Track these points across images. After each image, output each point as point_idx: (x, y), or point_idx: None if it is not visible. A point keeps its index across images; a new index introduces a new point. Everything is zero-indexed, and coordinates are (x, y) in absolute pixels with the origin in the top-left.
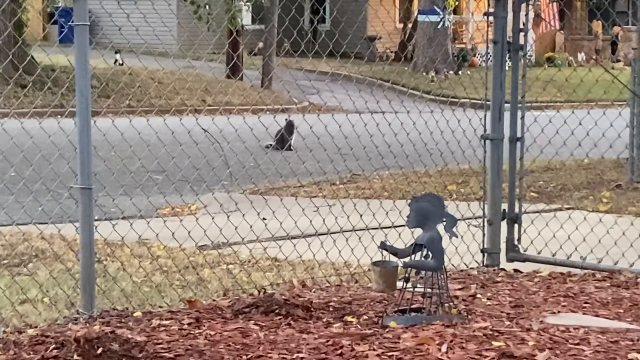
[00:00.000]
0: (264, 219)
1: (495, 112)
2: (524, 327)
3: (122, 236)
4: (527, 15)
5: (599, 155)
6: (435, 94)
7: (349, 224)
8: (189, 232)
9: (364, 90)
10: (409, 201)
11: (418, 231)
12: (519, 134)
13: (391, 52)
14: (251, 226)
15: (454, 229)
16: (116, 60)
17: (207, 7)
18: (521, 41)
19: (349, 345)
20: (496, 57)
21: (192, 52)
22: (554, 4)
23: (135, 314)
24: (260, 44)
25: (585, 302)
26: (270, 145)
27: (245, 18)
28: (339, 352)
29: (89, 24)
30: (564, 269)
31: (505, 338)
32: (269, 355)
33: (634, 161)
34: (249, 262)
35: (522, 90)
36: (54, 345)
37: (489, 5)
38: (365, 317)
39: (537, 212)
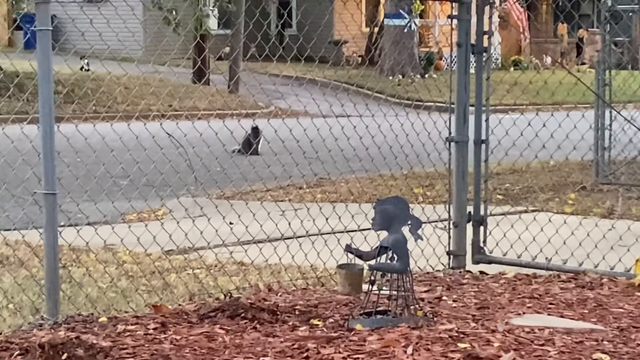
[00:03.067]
0: (230, 223)
1: (460, 115)
2: (490, 329)
3: (87, 242)
4: (490, 18)
5: (563, 157)
6: (401, 98)
7: (315, 228)
8: (154, 237)
9: (330, 94)
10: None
11: (384, 234)
12: (483, 137)
13: (358, 56)
14: (217, 231)
15: (419, 231)
16: (82, 67)
17: (174, 12)
18: (485, 44)
19: (315, 348)
20: (460, 59)
21: (156, 56)
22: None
23: (100, 320)
24: (226, 49)
25: (550, 303)
26: (237, 150)
27: (211, 23)
28: (304, 355)
29: (51, 28)
30: (530, 271)
31: (470, 340)
32: (235, 359)
33: (599, 163)
34: (215, 266)
35: (486, 92)
36: (18, 352)
37: (452, 8)
38: (331, 320)
39: (503, 214)
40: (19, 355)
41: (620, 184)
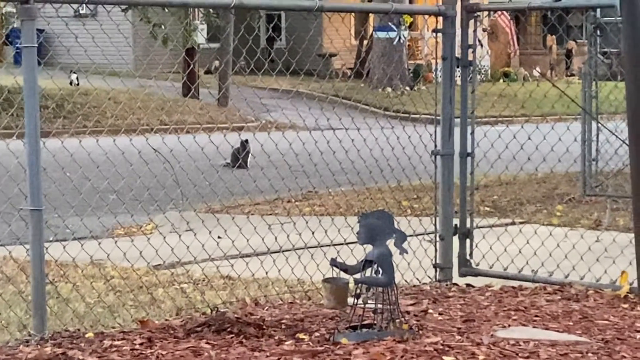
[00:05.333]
0: (219, 237)
1: (446, 128)
2: (475, 342)
3: (74, 257)
4: (475, 31)
5: (548, 169)
6: (389, 110)
7: (301, 242)
8: (141, 252)
9: (320, 107)
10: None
11: (369, 247)
12: (469, 149)
13: (347, 68)
14: (203, 245)
15: (404, 245)
16: (72, 81)
17: (162, 26)
18: (470, 57)
19: None
20: (445, 72)
21: (145, 70)
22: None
23: (87, 335)
24: (216, 62)
25: (536, 316)
26: (227, 163)
27: (200, 37)
28: None
29: (36, 45)
30: (516, 283)
31: (455, 352)
32: None
33: (586, 175)
34: (202, 281)
35: (472, 105)
36: None
37: (437, 22)
38: (317, 334)
39: (489, 226)
40: None
41: (607, 195)
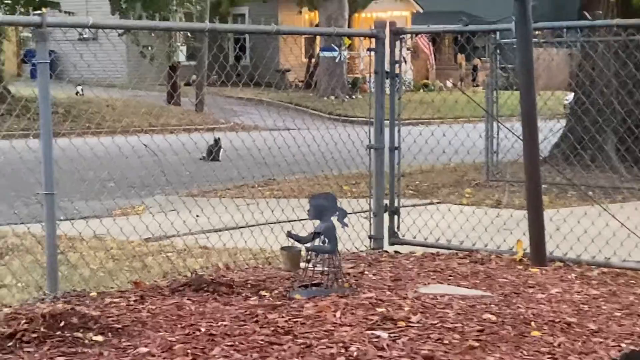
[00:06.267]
0: (197, 215)
1: (378, 127)
2: (402, 296)
3: (80, 232)
4: (400, 50)
5: (459, 160)
6: (334, 114)
7: (263, 218)
8: (135, 228)
9: (277, 112)
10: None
11: (317, 222)
12: (396, 144)
13: (299, 81)
14: (185, 222)
15: (345, 220)
16: (77, 92)
17: (149, 47)
18: (397, 71)
19: (263, 314)
20: (377, 83)
21: (135, 83)
22: (430, 43)
23: (91, 294)
24: (194, 76)
25: (450, 276)
26: (203, 157)
27: (181, 55)
28: (254, 319)
29: (49, 62)
30: (434, 250)
31: (386, 305)
32: (199, 323)
33: (489, 164)
34: (184, 250)
35: (398, 109)
36: (24, 320)
37: (370, 42)
38: (276, 291)
39: (413, 205)
40: (25, 323)
41: (506, 180)
